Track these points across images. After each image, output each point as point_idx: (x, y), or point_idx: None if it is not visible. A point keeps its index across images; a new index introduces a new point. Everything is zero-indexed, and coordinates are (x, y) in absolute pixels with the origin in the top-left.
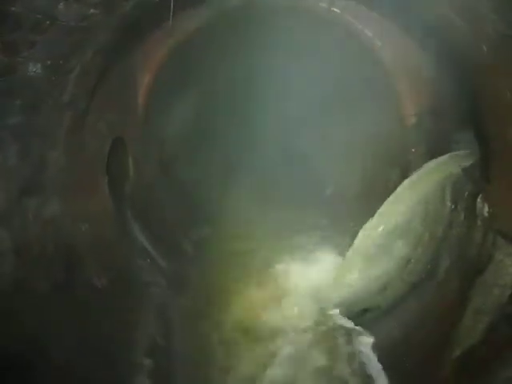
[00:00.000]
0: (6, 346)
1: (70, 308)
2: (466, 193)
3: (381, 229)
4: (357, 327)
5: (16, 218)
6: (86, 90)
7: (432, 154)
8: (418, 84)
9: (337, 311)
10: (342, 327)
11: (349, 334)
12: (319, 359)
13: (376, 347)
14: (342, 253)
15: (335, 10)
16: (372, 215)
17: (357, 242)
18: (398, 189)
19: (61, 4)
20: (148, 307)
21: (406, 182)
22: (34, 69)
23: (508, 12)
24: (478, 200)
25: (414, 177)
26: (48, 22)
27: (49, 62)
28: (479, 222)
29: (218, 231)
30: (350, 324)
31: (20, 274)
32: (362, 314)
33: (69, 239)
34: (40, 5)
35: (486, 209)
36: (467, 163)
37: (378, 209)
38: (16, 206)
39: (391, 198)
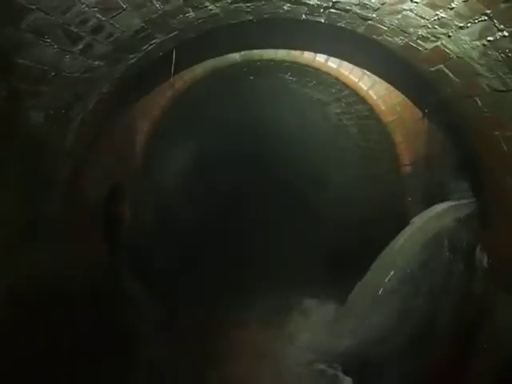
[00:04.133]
0: None
1: (59, 358)
2: (464, 243)
3: (378, 280)
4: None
5: (9, 264)
6: (87, 138)
7: (428, 204)
8: (413, 135)
9: (336, 365)
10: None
11: None
12: None
13: None
14: (341, 304)
15: (331, 64)
16: (370, 264)
17: (355, 293)
18: (396, 239)
19: (67, 57)
20: (141, 359)
21: (404, 232)
22: (37, 118)
23: (501, 71)
24: (477, 250)
25: (411, 227)
26: (53, 73)
27: (51, 112)
28: (479, 273)
29: (216, 280)
30: (347, 378)
31: (9, 321)
32: (361, 367)
33: (61, 287)
34: (47, 57)
35: (486, 259)
36: (464, 213)
37: (376, 259)
38: (10, 252)
39: (388, 248)
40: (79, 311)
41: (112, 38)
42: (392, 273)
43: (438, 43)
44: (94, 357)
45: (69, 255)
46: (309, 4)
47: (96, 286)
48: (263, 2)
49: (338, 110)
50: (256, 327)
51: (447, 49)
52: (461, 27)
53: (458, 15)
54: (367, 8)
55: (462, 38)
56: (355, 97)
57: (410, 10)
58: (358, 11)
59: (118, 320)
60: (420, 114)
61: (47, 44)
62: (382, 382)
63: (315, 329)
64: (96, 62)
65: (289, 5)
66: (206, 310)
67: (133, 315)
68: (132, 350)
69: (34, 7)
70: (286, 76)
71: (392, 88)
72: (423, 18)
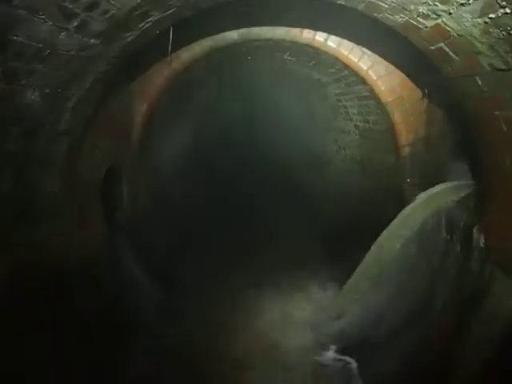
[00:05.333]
0: None
1: (57, 339)
2: (462, 223)
3: (377, 260)
4: (353, 361)
5: (8, 244)
6: (83, 118)
7: (426, 185)
8: (413, 115)
9: (335, 343)
10: (339, 360)
11: (346, 367)
12: None
13: (374, 380)
14: (340, 285)
15: (331, 44)
16: (369, 246)
17: (355, 273)
18: (394, 220)
19: (62, 34)
20: (139, 340)
21: (402, 212)
22: (33, 96)
23: (503, 50)
24: (474, 231)
25: (408, 208)
26: (48, 51)
27: (47, 90)
28: (476, 253)
29: (215, 261)
30: (347, 357)
31: (8, 303)
32: (360, 345)
33: (59, 267)
34: (41, 34)
35: (483, 240)
36: (462, 193)
37: (375, 239)
38: (8, 232)
39: (387, 229)
40: (78, 292)
41: (107, 16)
42: (391, 253)
43: (439, 21)
44: (92, 341)
45: (66, 234)
46: None
47: (93, 265)
48: None
49: (338, 91)
50: (257, 308)
51: (448, 27)
52: (462, 4)
53: None
54: None
55: (463, 15)
56: (355, 77)
57: None
58: None
59: (116, 303)
60: (420, 94)
61: (42, 21)
62: (380, 360)
63: (315, 309)
64: (92, 40)
65: None
66: (205, 295)
67: (130, 296)
68: (128, 330)
69: None
70: (285, 56)
71: (392, 68)
72: None
